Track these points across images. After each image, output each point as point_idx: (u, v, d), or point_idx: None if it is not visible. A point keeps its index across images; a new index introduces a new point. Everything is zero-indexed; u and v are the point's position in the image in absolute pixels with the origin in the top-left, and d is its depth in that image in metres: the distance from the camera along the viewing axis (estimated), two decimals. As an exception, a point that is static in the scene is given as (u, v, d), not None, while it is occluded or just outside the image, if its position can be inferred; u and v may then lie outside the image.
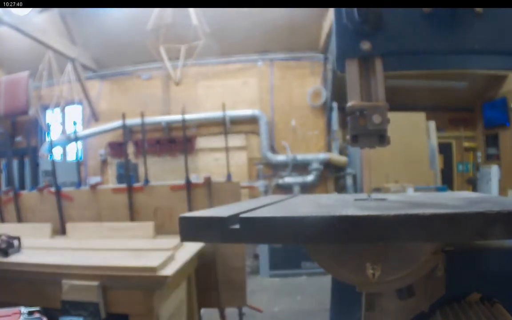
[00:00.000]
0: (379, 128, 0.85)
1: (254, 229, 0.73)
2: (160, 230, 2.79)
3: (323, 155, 7.50)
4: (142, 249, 2.27)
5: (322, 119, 7.76)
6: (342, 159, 7.43)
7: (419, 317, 0.90)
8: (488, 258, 0.97)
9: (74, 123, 5.56)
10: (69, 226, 2.90)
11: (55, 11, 7.04)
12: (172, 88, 7.79)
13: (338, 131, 7.47)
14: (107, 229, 2.77)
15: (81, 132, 8.19)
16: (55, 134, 8.26)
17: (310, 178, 7.48)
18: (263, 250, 5.81)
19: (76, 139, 4.91)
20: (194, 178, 7.84)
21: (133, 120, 7.96)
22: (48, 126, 5.22)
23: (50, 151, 7.47)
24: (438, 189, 5.88)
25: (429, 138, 6.74)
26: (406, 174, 6.01)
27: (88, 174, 8.24)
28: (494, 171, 7.79)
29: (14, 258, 2.05)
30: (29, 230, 2.80)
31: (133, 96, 8.05)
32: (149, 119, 7.93)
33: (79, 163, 3.69)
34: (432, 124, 6.89)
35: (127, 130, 7.88)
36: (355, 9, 0.81)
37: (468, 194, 1.45)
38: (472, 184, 8.31)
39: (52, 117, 8.46)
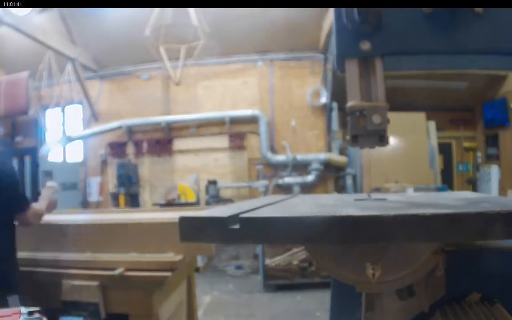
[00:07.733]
0: (379, 128, 0.85)
1: (254, 229, 0.72)
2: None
3: (323, 155, 7.49)
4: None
5: (322, 119, 7.76)
6: (342, 159, 7.43)
7: (419, 317, 0.90)
8: (488, 258, 0.97)
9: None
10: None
11: (55, 11, 7.04)
12: (172, 88, 7.80)
13: (338, 131, 7.47)
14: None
15: (81, 132, 8.19)
16: (55, 134, 8.26)
17: (310, 178, 7.48)
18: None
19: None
20: (193, 178, 7.81)
21: (133, 120, 8.02)
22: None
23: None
24: (438, 189, 5.87)
25: (429, 138, 6.73)
26: (406, 174, 6.00)
27: (88, 174, 8.24)
28: (494, 171, 7.78)
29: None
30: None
31: (133, 96, 8.05)
32: (149, 119, 7.95)
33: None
34: (432, 124, 6.88)
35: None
36: (355, 9, 0.81)
37: (468, 194, 1.45)
38: (472, 184, 8.31)
39: (52, 117, 8.46)
